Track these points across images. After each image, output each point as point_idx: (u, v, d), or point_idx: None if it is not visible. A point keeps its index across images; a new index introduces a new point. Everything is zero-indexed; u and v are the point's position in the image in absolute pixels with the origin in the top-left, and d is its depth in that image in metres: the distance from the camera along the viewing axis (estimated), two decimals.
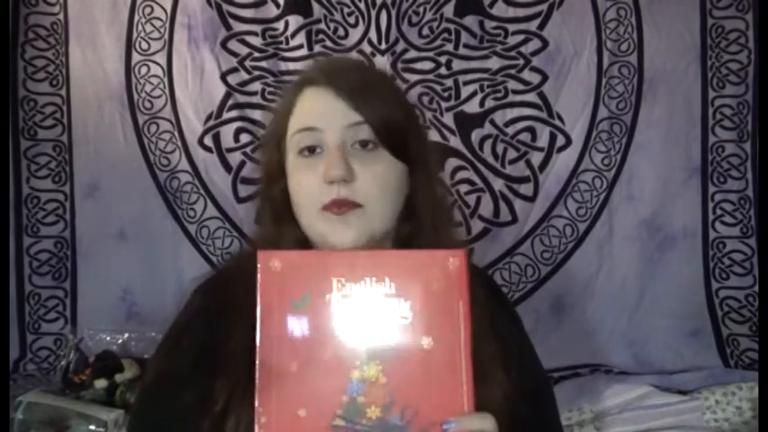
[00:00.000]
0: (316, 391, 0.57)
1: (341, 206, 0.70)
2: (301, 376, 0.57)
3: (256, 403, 0.57)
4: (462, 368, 0.59)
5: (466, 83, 1.90)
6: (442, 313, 0.59)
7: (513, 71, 1.90)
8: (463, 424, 0.57)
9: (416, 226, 0.76)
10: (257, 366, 0.57)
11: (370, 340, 0.58)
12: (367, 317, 0.59)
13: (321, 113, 0.72)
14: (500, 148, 1.92)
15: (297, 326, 0.58)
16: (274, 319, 0.58)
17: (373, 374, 0.58)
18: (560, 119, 1.91)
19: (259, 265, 0.59)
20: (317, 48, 1.87)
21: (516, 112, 1.91)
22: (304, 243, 0.76)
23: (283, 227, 0.77)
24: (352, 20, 1.88)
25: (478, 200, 1.92)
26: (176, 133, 1.89)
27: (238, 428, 0.64)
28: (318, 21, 1.87)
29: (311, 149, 0.72)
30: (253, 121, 1.89)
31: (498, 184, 1.92)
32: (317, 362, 0.58)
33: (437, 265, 0.60)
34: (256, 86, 1.88)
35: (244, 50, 1.88)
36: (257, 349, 0.57)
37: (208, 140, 1.89)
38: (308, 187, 0.72)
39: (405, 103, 0.80)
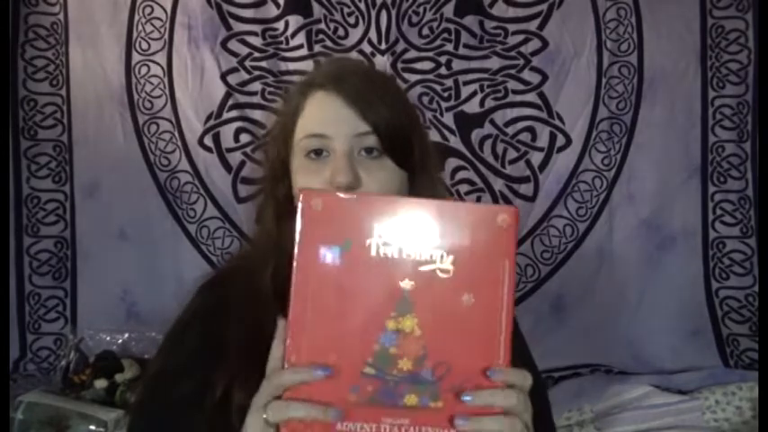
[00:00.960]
0: (348, 337, 0.56)
1: None
2: (335, 321, 0.56)
3: (288, 341, 0.55)
4: (502, 329, 0.57)
5: (466, 83, 1.90)
6: (487, 271, 0.57)
7: (513, 71, 1.90)
8: (507, 375, 0.56)
9: None
10: (291, 303, 0.55)
11: (408, 291, 0.56)
12: (407, 267, 0.57)
13: (330, 121, 0.73)
14: (500, 148, 1.92)
15: (334, 271, 0.56)
16: (311, 261, 0.56)
17: (408, 326, 0.56)
18: (560, 119, 1.91)
19: (300, 205, 0.57)
20: (317, 48, 1.87)
21: (516, 112, 1.91)
22: None
23: (286, 224, 0.78)
24: (352, 20, 1.88)
25: (478, 200, 1.92)
26: (176, 133, 1.89)
27: (243, 415, 0.64)
28: (318, 21, 1.87)
29: (318, 152, 0.74)
30: (253, 121, 1.89)
31: (498, 184, 1.92)
32: (352, 308, 0.56)
33: (486, 221, 0.57)
34: (256, 86, 1.88)
35: (244, 50, 1.88)
36: (292, 285, 0.56)
37: (208, 140, 1.89)
38: None
39: (409, 109, 0.81)
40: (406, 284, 0.57)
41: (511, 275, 0.58)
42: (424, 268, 0.57)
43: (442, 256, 0.57)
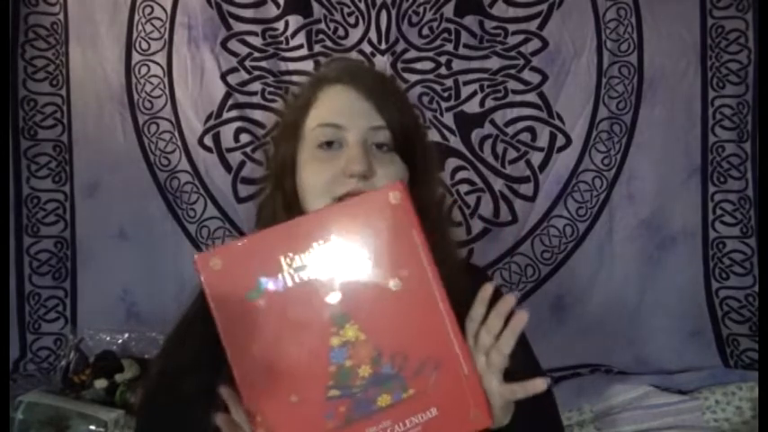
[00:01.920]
0: (300, 372, 0.55)
1: None
2: (281, 364, 0.55)
3: (245, 402, 0.55)
4: (437, 298, 0.57)
5: (466, 83, 1.90)
6: (400, 250, 0.57)
7: (513, 71, 1.90)
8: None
9: None
10: (233, 369, 0.55)
11: (338, 303, 0.56)
12: (327, 282, 0.56)
13: (346, 112, 0.75)
14: (500, 148, 1.92)
15: (258, 317, 0.55)
16: (235, 318, 0.55)
17: (352, 335, 0.56)
18: (560, 119, 1.91)
19: (200, 269, 0.55)
20: (317, 48, 1.87)
21: (516, 112, 1.91)
22: None
23: (294, 216, 0.78)
24: (352, 20, 1.88)
25: (478, 200, 1.92)
26: (176, 133, 1.89)
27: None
28: (318, 21, 1.87)
29: (329, 143, 0.75)
30: (253, 121, 1.89)
31: (498, 184, 1.92)
32: (292, 343, 0.55)
33: (379, 205, 0.57)
34: (256, 86, 1.88)
35: (244, 50, 1.88)
36: (227, 353, 0.55)
37: (208, 140, 1.89)
38: (323, 178, 0.73)
39: (413, 109, 0.83)
40: (334, 297, 0.56)
41: (424, 243, 0.57)
42: (343, 274, 0.56)
43: (354, 256, 0.57)
